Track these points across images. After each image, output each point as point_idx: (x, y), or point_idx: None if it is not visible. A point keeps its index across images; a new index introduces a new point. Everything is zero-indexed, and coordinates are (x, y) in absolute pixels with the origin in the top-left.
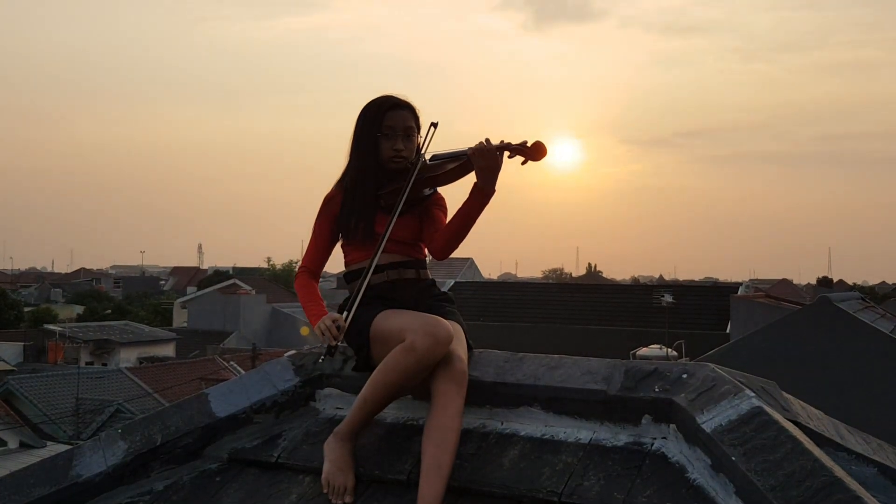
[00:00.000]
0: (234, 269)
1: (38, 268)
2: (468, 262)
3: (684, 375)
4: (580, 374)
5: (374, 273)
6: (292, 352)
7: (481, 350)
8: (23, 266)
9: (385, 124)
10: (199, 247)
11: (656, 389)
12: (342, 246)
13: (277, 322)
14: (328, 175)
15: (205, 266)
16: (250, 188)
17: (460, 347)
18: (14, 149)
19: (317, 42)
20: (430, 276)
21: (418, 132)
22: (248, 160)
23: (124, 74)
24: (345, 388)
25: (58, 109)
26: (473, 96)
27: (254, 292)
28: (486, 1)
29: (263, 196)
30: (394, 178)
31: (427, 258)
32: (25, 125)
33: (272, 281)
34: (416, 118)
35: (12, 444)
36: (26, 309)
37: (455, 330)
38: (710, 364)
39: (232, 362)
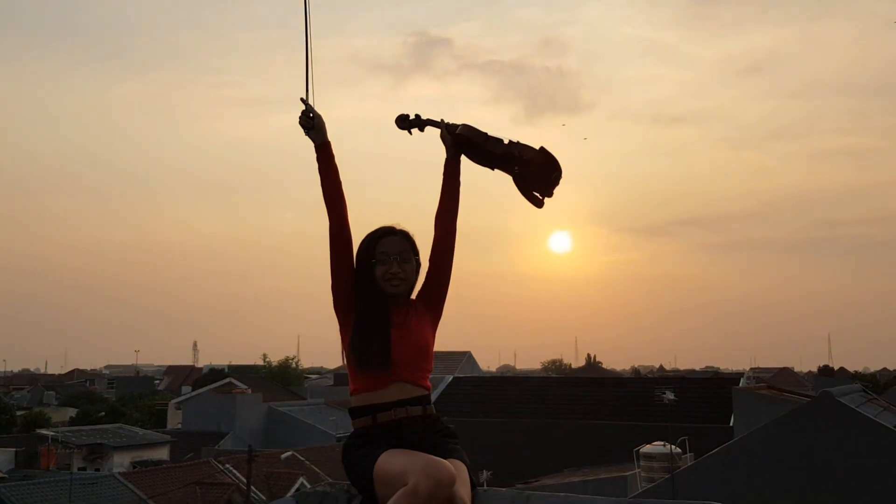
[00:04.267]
0: (230, 366)
1: (32, 369)
2: (466, 356)
3: None
4: None
5: (381, 411)
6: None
7: (485, 489)
8: (16, 368)
9: (378, 251)
10: (195, 344)
11: None
12: (349, 369)
13: (274, 422)
14: (324, 272)
15: (200, 364)
16: (245, 285)
17: (463, 489)
18: (6, 250)
19: (308, 139)
20: (435, 411)
21: (416, 255)
22: (242, 257)
23: (117, 175)
24: None
25: (50, 210)
26: (467, 190)
27: (249, 391)
28: (478, 95)
29: (258, 292)
30: (397, 301)
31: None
32: (17, 226)
33: (268, 379)
34: (412, 242)
35: None
36: (19, 413)
37: (458, 469)
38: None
39: (227, 465)
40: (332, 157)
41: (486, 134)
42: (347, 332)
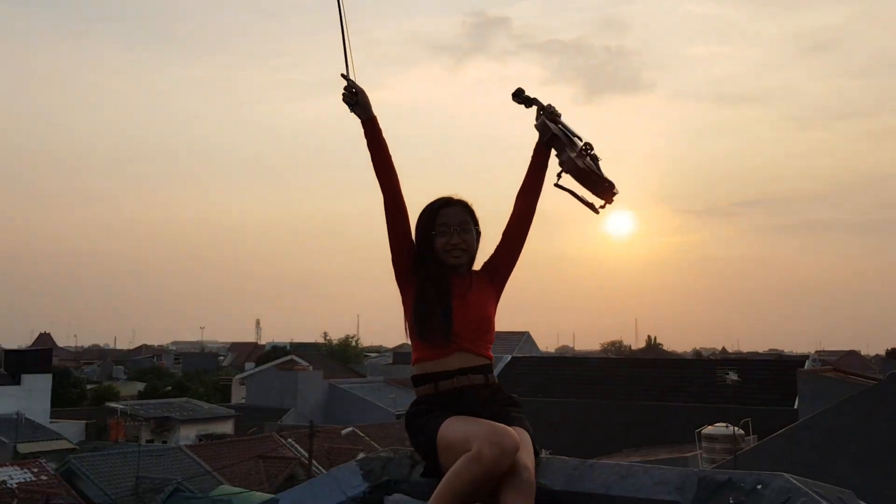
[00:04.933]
0: (292, 344)
1: (101, 345)
2: (524, 336)
3: (759, 486)
4: (652, 483)
5: (442, 379)
6: (361, 455)
7: (548, 456)
8: (86, 343)
9: (438, 223)
10: (257, 322)
11: (731, 501)
12: (411, 339)
13: (334, 398)
14: (383, 251)
15: (262, 341)
16: (306, 264)
17: (527, 456)
18: (77, 229)
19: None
20: (497, 381)
21: (476, 225)
22: (303, 236)
23: (183, 156)
24: (413, 494)
25: (118, 191)
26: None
27: (310, 368)
28: (537, 75)
29: (319, 271)
30: (458, 272)
31: (493, 361)
32: (87, 207)
33: (329, 357)
34: (471, 212)
35: None
36: (89, 386)
37: (522, 437)
38: (785, 474)
39: (290, 440)
40: (379, 131)
41: (551, 132)
42: (409, 303)
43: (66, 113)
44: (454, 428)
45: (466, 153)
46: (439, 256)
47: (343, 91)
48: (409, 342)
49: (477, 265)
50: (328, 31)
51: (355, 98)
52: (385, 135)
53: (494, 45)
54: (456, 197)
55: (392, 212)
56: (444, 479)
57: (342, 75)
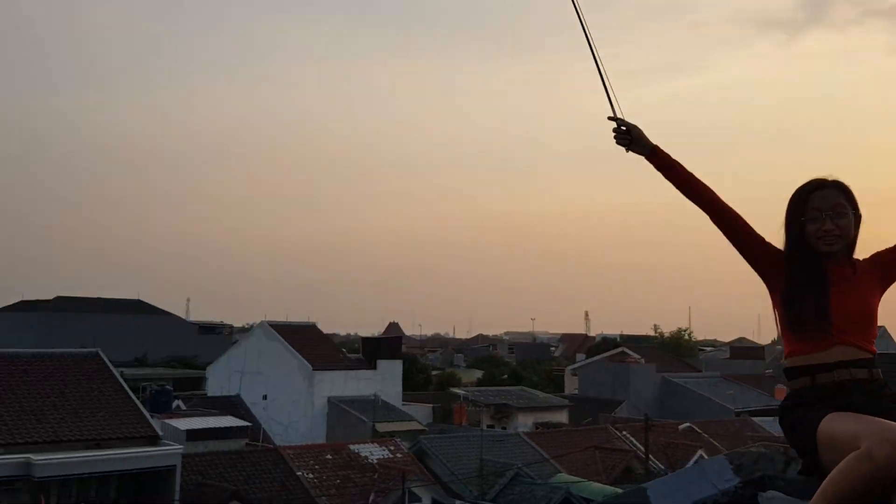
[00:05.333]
0: (622, 336)
1: (442, 334)
2: (880, 331)
3: None
4: None
5: (821, 372)
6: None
7: None
8: (429, 332)
9: (810, 207)
10: (586, 314)
11: None
12: (783, 331)
13: (669, 392)
14: (716, 245)
15: (592, 333)
16: (637, 255)
17: None
18: (419, 226)
19: (691, 106)
20: (882, 376)
21: (854, 209)
22: (634, 228)
23: (512, 150)
24: (789, 493)
25: (452, 186)
26: (875, 150)
27: (642, 361)
28: (884, 44)
29: (648, 263)
30: (835, 260)
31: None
32: (423, 202)
33: (660, 349)
34: (848, 194)
35: (425, 500)
36: (433, 372)
37: None
38: None
39: (624, 432)
40: (666, 157)
41: None
42: (777, 294)
43: (410, 118)
44: (838, 424)
45: (808, 132)
46: (811, 244)
47: (613, 133)
48: (780, 335)
49: (866, 252)
50: (652, 17)
51: (629, 137)
52: (717, 117)
53: (833, 15)
54: (830, 178)
55: (721, 224)
56: (828, 477)
57: (609, 118)
